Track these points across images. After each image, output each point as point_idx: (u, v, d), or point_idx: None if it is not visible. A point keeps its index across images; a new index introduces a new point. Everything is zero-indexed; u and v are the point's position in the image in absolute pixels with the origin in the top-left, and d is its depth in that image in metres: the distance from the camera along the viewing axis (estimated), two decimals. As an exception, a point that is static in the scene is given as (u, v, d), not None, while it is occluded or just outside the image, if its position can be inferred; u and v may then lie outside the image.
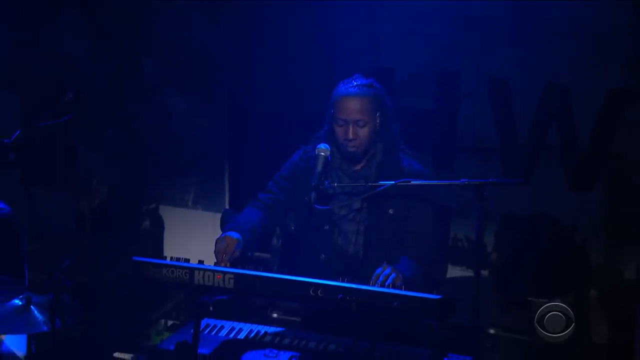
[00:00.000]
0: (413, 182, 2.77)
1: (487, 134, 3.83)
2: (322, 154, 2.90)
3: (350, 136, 2.91)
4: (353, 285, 2.53)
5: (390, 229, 2.95)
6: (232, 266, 2.76)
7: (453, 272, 3.80)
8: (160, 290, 3.91)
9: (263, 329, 2.87)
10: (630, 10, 3.52)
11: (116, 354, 3.02)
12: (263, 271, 2.63)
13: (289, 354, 2.68)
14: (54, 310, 2.81)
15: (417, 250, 2.92)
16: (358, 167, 3.02)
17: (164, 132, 4.29)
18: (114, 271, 4.02)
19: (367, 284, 2.62)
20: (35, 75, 4.32)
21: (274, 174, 3.16)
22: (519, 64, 3.74)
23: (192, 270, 2.64)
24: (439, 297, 2.49)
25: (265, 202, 3.08)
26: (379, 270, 2.72)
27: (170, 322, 3.44)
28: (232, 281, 2.61)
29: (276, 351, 2.70)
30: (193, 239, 4.18)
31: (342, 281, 2.56)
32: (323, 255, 3.01)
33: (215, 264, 2.78)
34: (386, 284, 2.64)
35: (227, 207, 4.19)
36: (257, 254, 3.18)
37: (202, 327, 2.81)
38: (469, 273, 3.78)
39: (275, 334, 2.82)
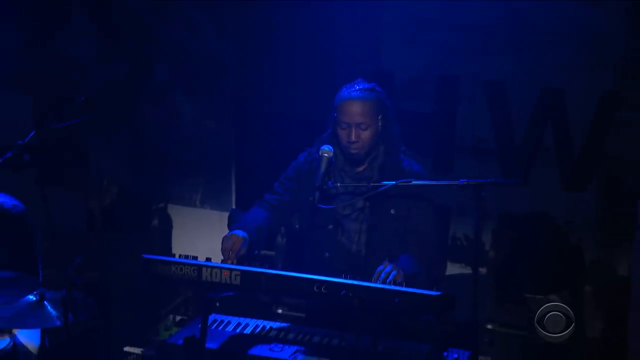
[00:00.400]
0: (414, 182, 2.77)
1: (485, 135, 3.83)
2: (326, 155, 2.90)
3: (353, 139, 2.91)
4: (356, 282, 2.54)
5: (392, 228, 2.95)
6: (238, 263, 2.76)
7: (452, 269, 3.80)
8: (168, 287, 3.91)
9: (268, 324, 2.87)
10: (622, 16, 3.52)
11: (126, 348, 3.03)
12: (268, 268, 2.64)
13: (293, 348, 2.69)
14: (67, 306, 2.81)
15: (417, 248, 2.92)
16: (360, 169, 3.02)
17: (173, 133, 4.28)
18: (124, 268, 4.03)
19: (370, 280, 2.63)
20: (47, 78, 4.32)
21: (278, 173, 3.17)
22: (515, 68, 3.73)
23: (199, 267, 2.65)
24: (438, 293, 2.49)
25: (271, 203, 3.08)
26: (380, 268, 2.72)
27: (178, 318, 3.45)
28: (238, 278, 2.62)
29: (281, 345, 2.71)
30: (200, 237, 4.18)
31: (345, 278, 2.57)
32: (327, 253, 3.01)
33: (222, 262, 2.79)
34: (387, 280, 2.65)
35: (233, 206, 4.18)
36: (262, 252, 3.19)
37: (209, 322, 2.82)
38: (467, 270, 3.78)
39: (280, 329, 2.83)
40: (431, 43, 3.82)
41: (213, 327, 2.83)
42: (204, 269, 2.64)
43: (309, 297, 2.59)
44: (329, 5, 3.85)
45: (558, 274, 3.71)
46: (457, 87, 3.85)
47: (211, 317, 2.88)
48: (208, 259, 2.70)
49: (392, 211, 2.95)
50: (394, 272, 2.68)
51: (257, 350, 2.68)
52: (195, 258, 2.70)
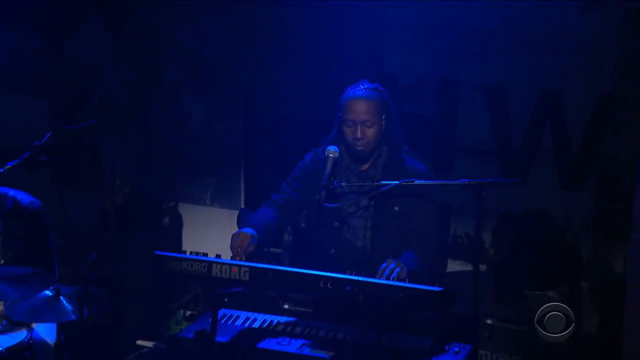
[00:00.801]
0: (417, 182, 2.78)
1: (485, 137, 3.82)
2: (331, 155, 2.91)
3: (359, 135, 2.93)
4: (361, 278, 2.54)
5: (395, 225, 2.96)
6: (247, 260, 2.76)
7: (453, 266, 3.80)
8: (179, 283, 3.91)
9: (276, 318, 2.87)
10: (619, 19, 3.51)
11: (139, 342, 3.03)
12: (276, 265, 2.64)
13: (300, 341, 2.69)
14: (82, 301, 2.83)
15: (419, 245, 2.93)
16: (365, 167, 3.03)
17: (183, 135, 4.28)
18: (136, 265, 4.03)
19: (374, 277, 2.63)
20: (61, 81, 4.33)
21: (285, 173, 3.17)
22: (514, 71, 3.72)
23: (210, 263, 2.65)
24: (440, 289, 2.50)
25: (279, 202, 3.09)
26: (384, 264, 2.72)
27: (188, 313, 3.44)
28: (247, 274, 2.62)
29: (288, 339, 2.71)
30: (210, 235, 4.18)
31: (351, 274, 2.57)
32: (333, 250, 3.02)
33: (232, 258, 2.79)
34: (391, 277, 2.65)
35: (242, 204, 4.18)
36: (270, 249, 3.19)
37: (219, 316, 2.82)
38: (467, 267, 3.77)
39: (287, 324, 2.83)
40: (432, 47, 3.81)
41: (222, 322, 2.84)
42: (214, 266, 2.64)
43: (316, 292, 2.59)
44: (334, 10, 3.85)
45: (556, 271, 3.70)
46: (457, 89, 3.84)
47: (220, 312, 2.88)
48: (218, 256, 2.71)
49: (396, 208, 2.95)
50: (397, 269, 2.69)
51: (265, 343, 2.68)
52: (206, 255, 2.70)
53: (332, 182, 2.87)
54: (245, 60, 4.11)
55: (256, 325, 2.84)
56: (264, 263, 2.66)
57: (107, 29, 4.28)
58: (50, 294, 2.89)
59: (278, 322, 2.84)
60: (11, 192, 3.19)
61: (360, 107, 2.93)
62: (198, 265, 2.66)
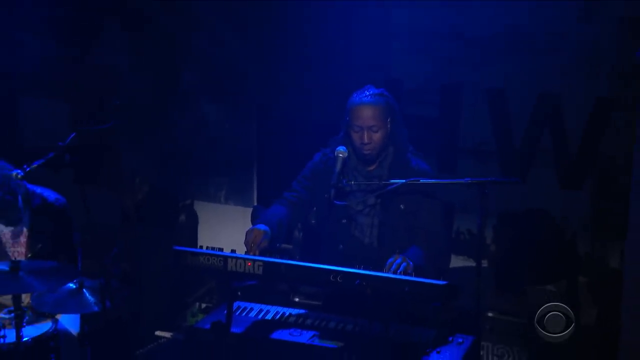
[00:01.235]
0: (422, 181, 2.78)
1: (486, 138, 3.82)
2: (341, 155, 2.91)
3: (366, 140, 2.92)
4: (369, 272, 2.54)
5: (401, 223, 2.96)
6: (260, 255, 2.77)
7: (456, 261, 3.80)
8: (195, 277, 3.92)
9: (288, 310, 2.87)
10: (614, 27, 3.50)
11: (157, 332, 3.05)
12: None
13: (311, 332, 2.69)
14: (104, 293, 2.84)
15: (424, 241, 2.93)
16: (372, 168, 3.03)
17: (199, 136, 4.30)
18: (155, 259, 4.05)
19: (382, 271, 2.63)
20: (83, 85, 4.35)
21: (296, 172, 3.17)
22: (513, 76, 3.72)
23: (225, 258, 2.65)
24: (444, 283, 2.49)
25: (290, 200, 3.09)
26: (391, 259, 2.72)
27: (203, 305, 3.46)
28: (261, 268, 2.62)
29: (300, 330, 2.71)
30: (224, 231, 4.20)
31: (359, 269, 2.57)
32: (341, 246, 3.01)
33: (246, 253, 2.80)
34: (398, 271, 2.65)
35: (255, 202, 4.19)
36: (282, 245, 3.19)
37: (233, 308, 2.82)
38: (470, 263, 3.77)
39: (298, 315, 2.82)
40: (436, 53, 3.82)
41: (237, 314, 2.83)
42: (229, 260, 2.64)
43: (326, 286, 2.59)
44: (343, 19, 3.86)
45: (555, 267, 3.69)
46: (460, 93, 3.85)
47: (235, 304, 2.89)
48: (233, 251, 2.71)
49: (402, 206, 2.95)
50: (403, 264, 2.68)
51: (278, 334, 2.68)
52: (221, 250, 2.71)
53: (341, 181, 2.87)
54: (259, 65, 4.13)
55: (269, 317, 2.84)
56: (277, 258, 2.66)
57: (127, 36, 4.30)
58: (74, 286, 2.90)
59: (290, 314, 2.84)
60: (38, 190, 3.23)
61: (367, 113, 2.93)
62: (214, 259, 2.66)
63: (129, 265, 3.85)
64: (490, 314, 3.52)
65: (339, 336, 2.67)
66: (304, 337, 2.66)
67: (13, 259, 3.16)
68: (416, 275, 2.56)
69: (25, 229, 3.20)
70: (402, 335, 2.66)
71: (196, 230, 4.34)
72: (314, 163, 3.12)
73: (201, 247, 2.74)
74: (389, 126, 2.97)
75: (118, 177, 4.30)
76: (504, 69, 3.72)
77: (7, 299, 3.07)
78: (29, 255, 3.19)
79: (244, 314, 2.86)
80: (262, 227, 2.87)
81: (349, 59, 3.89)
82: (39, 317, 3.07)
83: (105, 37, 4.32)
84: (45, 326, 3.03)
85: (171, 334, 2.97)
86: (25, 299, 3.08)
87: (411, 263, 2.71)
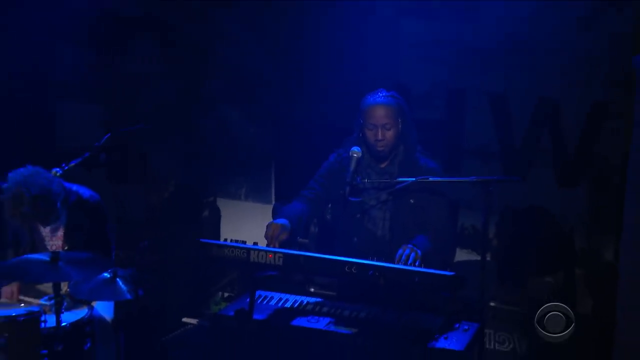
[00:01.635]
0: (431, 179, 2.83)
1: (489, 140, 3.84)
2: (355, 155, 2.97)
3: (380, 137, 2.98)
4: (382, 264, 2.59)
5: (411, 217, 3.01)
6: (280, 248, 2.81)
7: (460, 255, 3.83)
8: (219, 267, 3.96)
9: (305, 299, 2.90)
10: (610, 35, 3.53)
11: (184, 319, 3.10)
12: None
13: (327, 319, 2.72)
14: (136, 282, 2.89)
15: (432, 234, 2.98)
16: (384, 165, 3.08)
17: (221, 138, 4.34)
18: (181, 252, 4.09)
19: (393, 262, 2.67)
20: (115, 91, 4.41)
21: (311, 171, 3.22)
22: (515, 81, 3.74)
23: (248, 250, 2.70)
24: (452, 274, 2.54)
25: (308, 197, 3.13)
26: (400, 251, 2.77)
27: (226, 294, 3.50)
28: (281, 260, 2.67)
29: (317, 318, 2.74)
30: (244, 226, 4.24)
31: (373, 260, 2.62)
32: (356, 239, 3.06)
33: (266, 246, 2.84)
34: (408, 262, 2.70)
35: (273, 199, 4.23)
36: (299, 239, 3.23)
37: (255, 297, 2.86)
38: (474, 256, 3.80)
39: (315, 304, 2.86)
40: (442, 60, 3.84)
41: (258, 302, 2.86)
42: (252, 252, 2.69)
43: (342, 276, 2.63)
44: (355, 28, 3.90)
45: (553, 260, 3.72)
46: (464, 98, 3.87)
47: (257, 293, 2.92)
48: (255, 243, 2.76)
49: (412, 201, 3.00)
50: (412, 255, 2.74)
51: (297, 321, 2.72)
52: (244, 242, 2.76)
53: (355, 179, 2.93)
54: (276, 72, 4.17)
55: (288, 305, 2.87)
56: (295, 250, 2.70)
57: (155, 45, 4.35)
58: (108, 275, 2.94)
59: (307, 303, 2.87)
60: (74, 187, 3.28)
61: (380, 112, 2.99)
62: (238, 251, 2.71)
63: (157, 256, 3.90)
64: (492, 304, 3.55)
65: (354, 323, 2.70)
66: (321, 323, 2.70)
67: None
68: (424, 259, 2.59)
69: (62, 225, 3.26)
70: (412, 322, 2.69)
71: (219, 225, 4.38)
72: (329, 163, 3.17)
73: (225, 239, 2.79)
74: (400, 126, 3.02)
75: (147, 175, 4.35)
76: (505, 74, 3.75)
77: (47, 287, 3.14)
78: (66, 247, 3.24)
79: (265, 302, 2.89)
80: (280, 221, 2.92)
81: (362, 66, 3.92)
82: (76, 303, 3.12)
83: (136, 46, 4.38)
84: (81, 312, 3.08)
85: (197, 320, 3.01)
86: (64, 287, 3.13)
87: (419, 251, 2.76)
